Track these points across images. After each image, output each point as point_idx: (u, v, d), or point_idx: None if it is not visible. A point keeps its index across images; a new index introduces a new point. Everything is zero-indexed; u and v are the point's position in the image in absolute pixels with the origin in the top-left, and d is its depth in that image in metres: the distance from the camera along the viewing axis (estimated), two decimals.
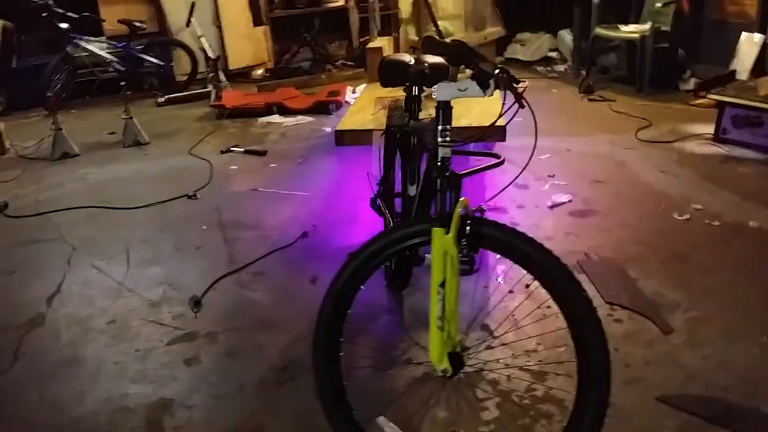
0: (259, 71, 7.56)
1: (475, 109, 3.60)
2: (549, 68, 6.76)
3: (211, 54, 6.58)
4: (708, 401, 1.99)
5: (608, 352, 1.55)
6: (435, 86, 1.69)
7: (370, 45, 4.71)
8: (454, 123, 1.72)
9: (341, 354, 1.75)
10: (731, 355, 2.20)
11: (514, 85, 1.61)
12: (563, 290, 1.55)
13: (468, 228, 1.57)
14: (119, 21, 6.71)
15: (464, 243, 1.58)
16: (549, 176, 3.90)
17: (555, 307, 1.58)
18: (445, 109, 1.70)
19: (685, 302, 2.51)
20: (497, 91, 1.64)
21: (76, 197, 4.14)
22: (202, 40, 6.75)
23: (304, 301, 2.67)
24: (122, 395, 2.23)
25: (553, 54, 7.07)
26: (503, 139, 3.22)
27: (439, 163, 1.72)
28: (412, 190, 2.28)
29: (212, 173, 4.38)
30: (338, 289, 1.70)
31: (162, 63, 6.87)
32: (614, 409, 1.90)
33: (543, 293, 1.59)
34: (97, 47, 6.58)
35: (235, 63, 7.47)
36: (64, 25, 6.28)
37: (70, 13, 6.29)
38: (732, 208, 3.28)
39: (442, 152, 1.70)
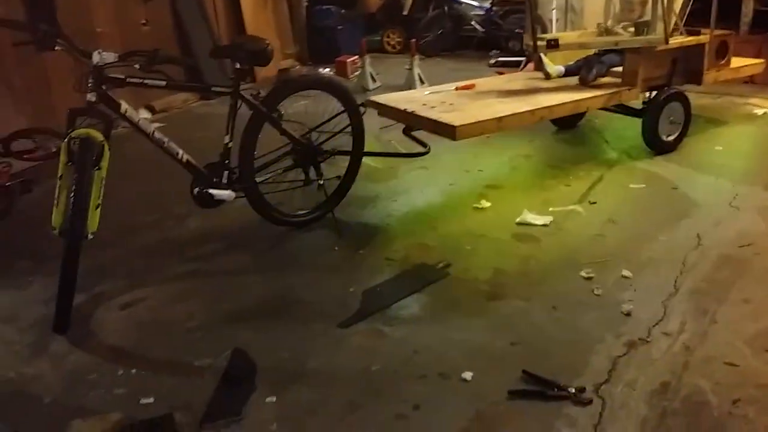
0: None
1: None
2: None
3: (549, 26, 6.97)
4: None
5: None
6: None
7: None
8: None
9: None
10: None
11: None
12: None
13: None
14: None
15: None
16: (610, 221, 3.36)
17: None
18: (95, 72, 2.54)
19: None
20: None
21: None
22: (553, 12, 7.13)
23: None
24: None
25: None
26: (453, 138, 3.32)
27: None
28: (227, 139, 3.01)
29: None
30: None
31: (515, 30, 7.56)
32: None
33: None
34: (466, 9, 7.74)
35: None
36: None
37: None
38: None
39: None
